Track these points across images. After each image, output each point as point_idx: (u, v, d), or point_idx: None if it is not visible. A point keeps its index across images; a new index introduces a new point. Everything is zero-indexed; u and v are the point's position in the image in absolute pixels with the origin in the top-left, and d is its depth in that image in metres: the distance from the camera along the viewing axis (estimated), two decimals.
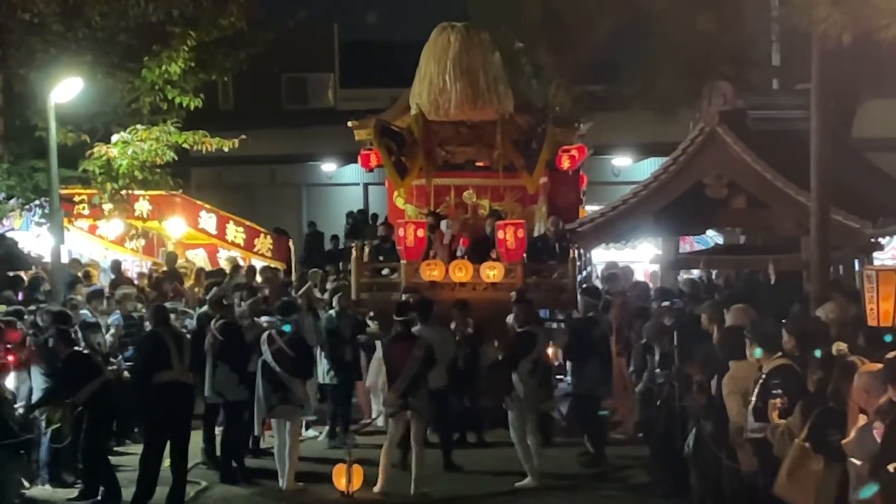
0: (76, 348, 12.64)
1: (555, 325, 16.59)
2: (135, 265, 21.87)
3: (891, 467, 7.78)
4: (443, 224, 17.27)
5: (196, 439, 14.81)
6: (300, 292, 17.53)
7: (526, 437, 13.19)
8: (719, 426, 10.66)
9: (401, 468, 13.38)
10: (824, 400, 8.97)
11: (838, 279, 15.28)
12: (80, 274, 18.97)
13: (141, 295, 17.39)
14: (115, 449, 14.34)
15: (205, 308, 14.83)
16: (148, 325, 13.90)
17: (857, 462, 8.37)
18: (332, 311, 15.90)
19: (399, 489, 12.82)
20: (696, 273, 18.72)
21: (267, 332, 13.20)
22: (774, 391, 9.53)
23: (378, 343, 15.48)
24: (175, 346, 12.30)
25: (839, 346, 9.35)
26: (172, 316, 15.92)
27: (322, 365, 15.54)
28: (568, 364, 15.12)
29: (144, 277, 20.50)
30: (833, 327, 11.01)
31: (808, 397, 9.25)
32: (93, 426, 12.31)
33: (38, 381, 12.67)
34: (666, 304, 13.79)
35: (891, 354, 8.41)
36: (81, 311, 15.11)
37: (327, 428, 15.59)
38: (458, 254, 16.97)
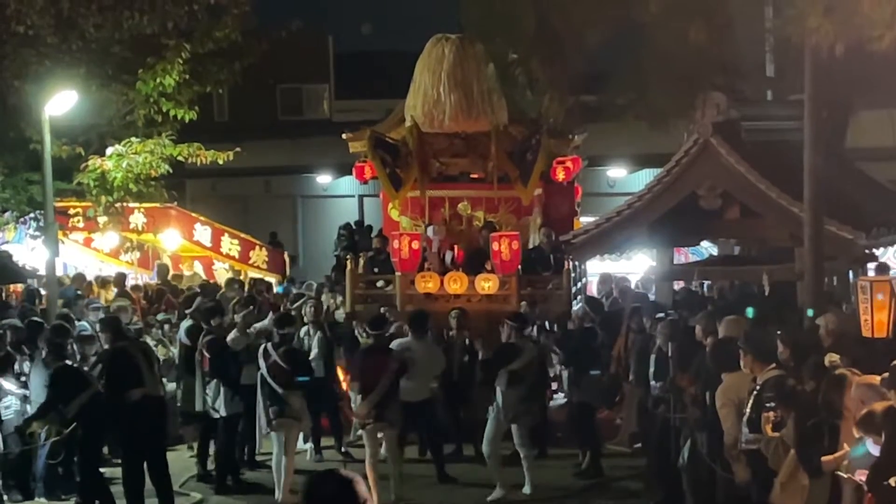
0: (66, 362, 12.45)
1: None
2: (129, 278, 21.85)
3: (892, 481, 7.77)
4: (429, 230, 17.23)
5: (189, 452, 14.82)
6: (295, 305, 17.49)
7: (498, 449, 13.11)
8: (714, 437, 10.65)
9: None
10: (817, 411, 8.97)
11: (831, 290, 15.28)
12: (79, 291, 18.92)
13: (135, 307, 17.36)
14: (114, 461, 14.29)
15: (190, 322, 14.64)
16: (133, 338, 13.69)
17: (845, 475, 8.37)
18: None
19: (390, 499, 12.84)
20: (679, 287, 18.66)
21: (263, 346, 13.16)
22: (768, 404, 9.52)
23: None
24: (144, 360, 12.00)
25: (831, 358, 9.35)
26: (166, 327, 16.00)
27: None
28: (565, 374, 15.08)
29: (139, 290, 20.48)
30: (831, 338, 11.00)
31: (802, 409, 9.24)
32: (85, 439, 12.20)
33: (37, 393, 12.64)
34: (660, 316, 13.77)
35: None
36: (80, 323, 15.08)
37: (310, 444, 15.21)
38: (448, 261, 16.95)
